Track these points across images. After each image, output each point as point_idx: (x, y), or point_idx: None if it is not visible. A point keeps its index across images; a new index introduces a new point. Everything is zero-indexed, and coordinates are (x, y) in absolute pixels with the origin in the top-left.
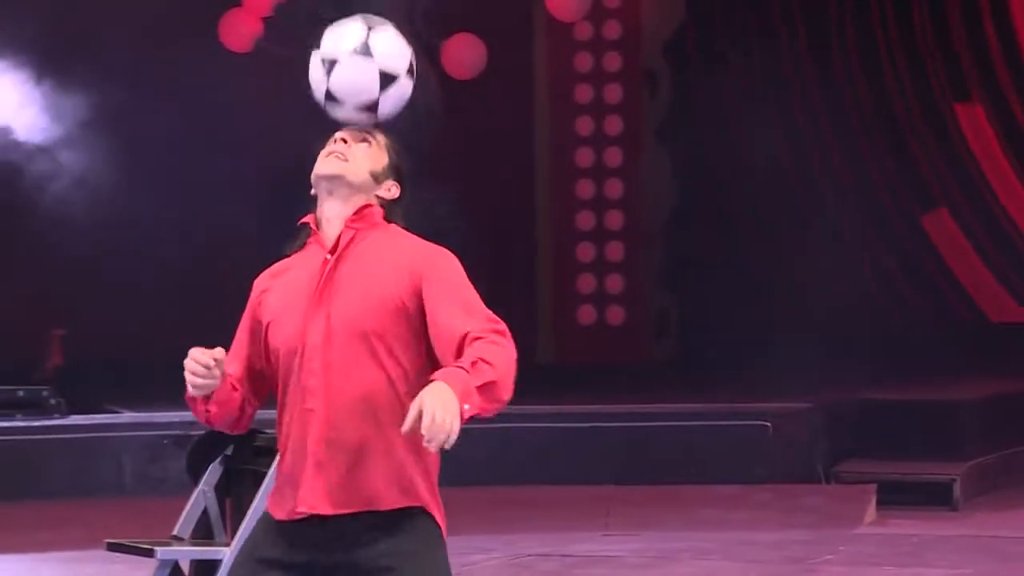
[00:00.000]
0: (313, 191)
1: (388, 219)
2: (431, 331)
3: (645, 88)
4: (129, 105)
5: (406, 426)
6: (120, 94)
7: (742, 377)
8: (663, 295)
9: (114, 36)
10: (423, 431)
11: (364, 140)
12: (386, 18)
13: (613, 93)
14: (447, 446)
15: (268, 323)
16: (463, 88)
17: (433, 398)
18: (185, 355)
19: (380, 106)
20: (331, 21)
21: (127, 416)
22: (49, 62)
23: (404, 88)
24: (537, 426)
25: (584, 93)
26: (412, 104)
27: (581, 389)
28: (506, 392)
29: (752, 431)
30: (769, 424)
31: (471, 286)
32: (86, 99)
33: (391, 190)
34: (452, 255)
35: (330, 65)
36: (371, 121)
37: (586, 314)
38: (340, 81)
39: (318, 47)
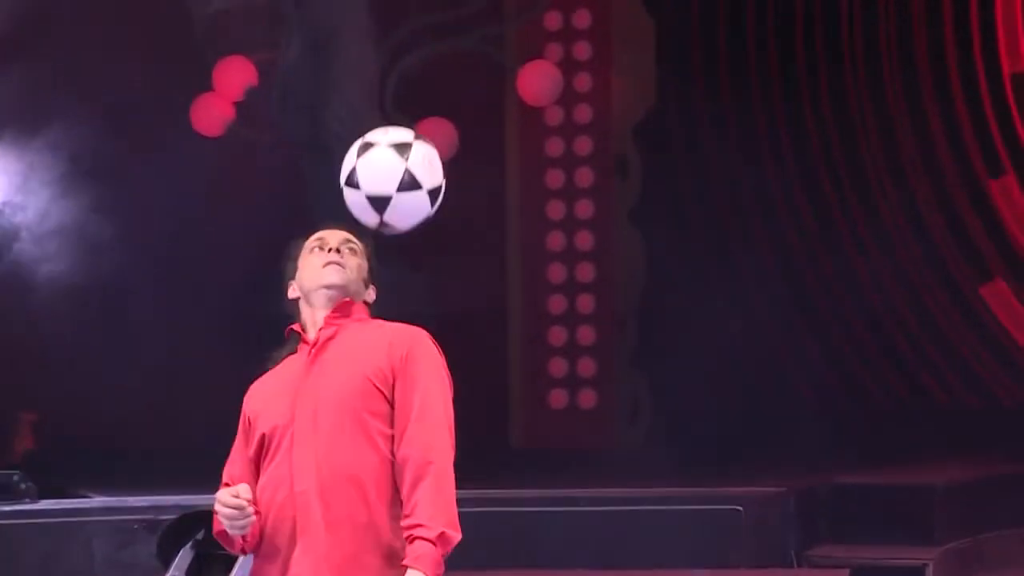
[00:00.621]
0: (293, 294)
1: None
2: (395, 416)
3: (616, 171)
4: (102, 185)
5: None
6: (91, 175)
7: (715, 461)
8: (636, 378)
9: (84, 114)
10: None
11: (350, 248)
12: (358, 101)
13: (584, 177)
14: None
15: (255, 416)
16: None
17: None
18: (156, 440)
19: (390, 208)
20: (303, 107)
21: (98, 501)
22: (13, 139)
23: (406, 203)
24: (508, 511)
25: (555, 177)
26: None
27: (553, 473)
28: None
29: (725, 516)
30: (741, 509)
31: (439, 376)
32: (57, 178)
33: (371, 294)
34: (428, 338)
35: (364, 145)
36: (373, 221)
37: (557, 398)
38: (350, 209)
39: (355, 182)
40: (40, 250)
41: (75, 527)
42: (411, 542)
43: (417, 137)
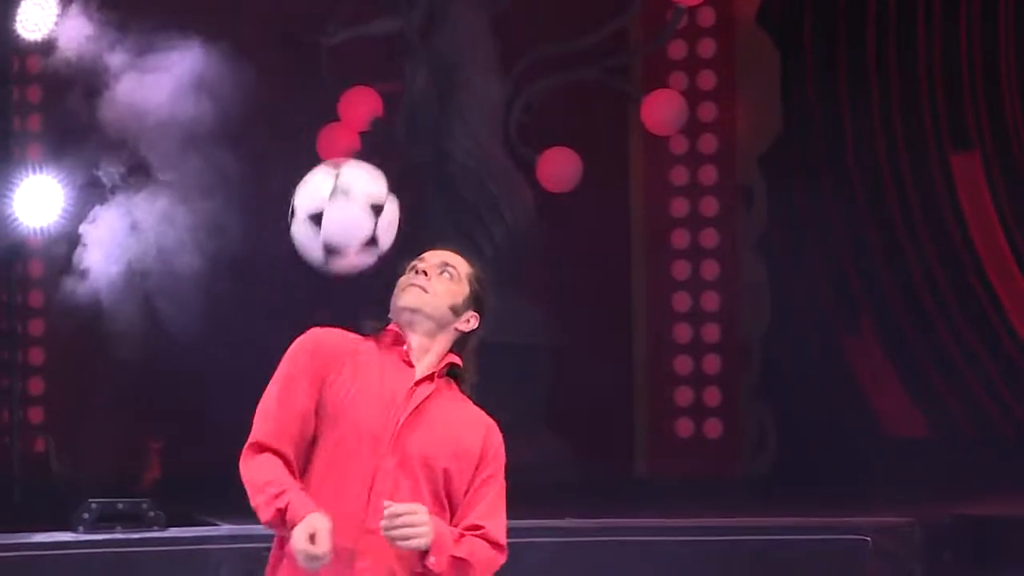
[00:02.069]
0: (390, 316)
1: (460, 347)
2: (461, 505)
3: (741, 201)
4: (228, 215)
5: (393, 509)
6: (218, 205)
7: (842, 491)
8: (761, 408)
9: (209, 148)
10: (396, 523)
11: (445, 271)
12: (482, 131)
13: (709, 206)
14: (392, 543)
15: (339, 401)
16: (558, 201)
17: (430, 525)
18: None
19: (324, 220)
20: (428, 138)
21: (225, 528)
22: (150, 183)
23: (393, 211)
24: (633, 539)
25: (680, 206)
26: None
27: (678, 503)
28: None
29: (852, 546)
30: (869, 539)
31: (504, 493)
32: (181, 208)
33: (470, 322)
34: (503, 448)
35: (315, 219)
36: (372, 260)
37: (683, 427)
38: (333, 229)
39: (293, 213)
40: (166, 280)
41: (203, 554)
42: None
43: (335, 171)
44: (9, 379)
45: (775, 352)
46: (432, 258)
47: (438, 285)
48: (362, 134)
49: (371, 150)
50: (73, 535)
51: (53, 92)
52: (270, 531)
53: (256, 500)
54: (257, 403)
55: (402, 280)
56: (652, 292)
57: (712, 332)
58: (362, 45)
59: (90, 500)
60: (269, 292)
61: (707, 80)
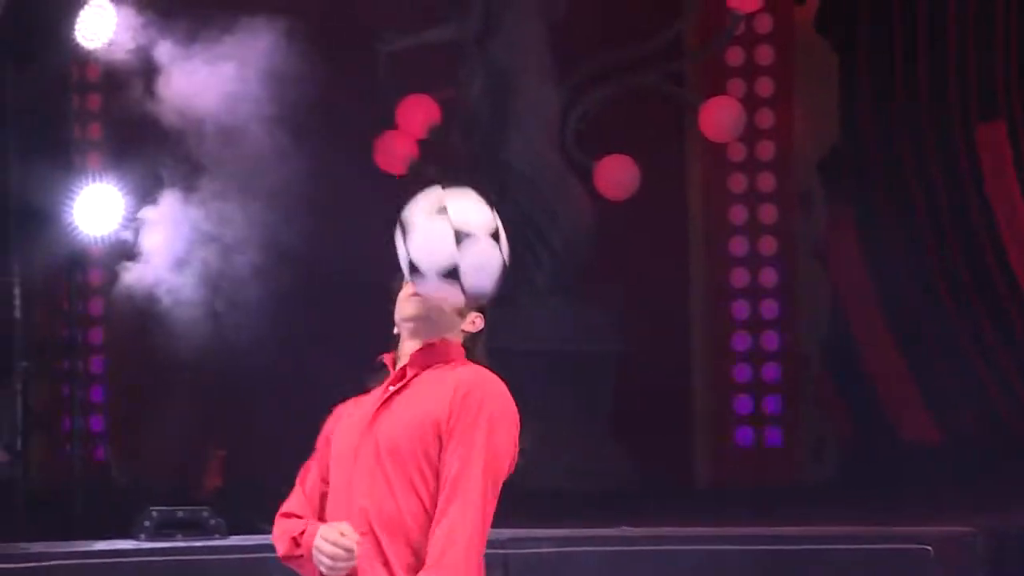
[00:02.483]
0: (396, 330)
1: (469, 348)
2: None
3: (800, 208)
4: (289, 225)
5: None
6: (279, 216)
7: (903, 498)
8: (821, 416)
9: (268, 153)
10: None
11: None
12: (539, 139)
13: (768, 213)
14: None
15: (332, 439)
16: (616, 209)
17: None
18: None
19: (462, 272)
20: (486, 139)
21: None
22: (210, 189)
23: (485, 250)
24: (693, 548)
25: (738, 214)
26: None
27: (738, 512)
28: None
29: (913, 555)
30: (930, 548)
31: (488, 440)
32: (246, 215)
33: (475, 323)
34: (492, 388)
35: (451, 275)
36: (457, 296)
37: (743, 435)
38: (474, 278)
39: (417, 271)
40: (228, 286)
41: (263, 563)
42: None
43: (446, 193)
44: (70, 387)
45: (835, 359)
46: None
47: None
48: (419, 141)
49: (428, 158)
50: (134, 543)
51: (113, 100)
52: None
53: (275, 540)
54: (318, 411)
55: (402, 292)
56: (710, 299)
57: (771, 340)
58: (419, 53)
59: (151, 508)
60: (332, 298)
61: (765, 87)
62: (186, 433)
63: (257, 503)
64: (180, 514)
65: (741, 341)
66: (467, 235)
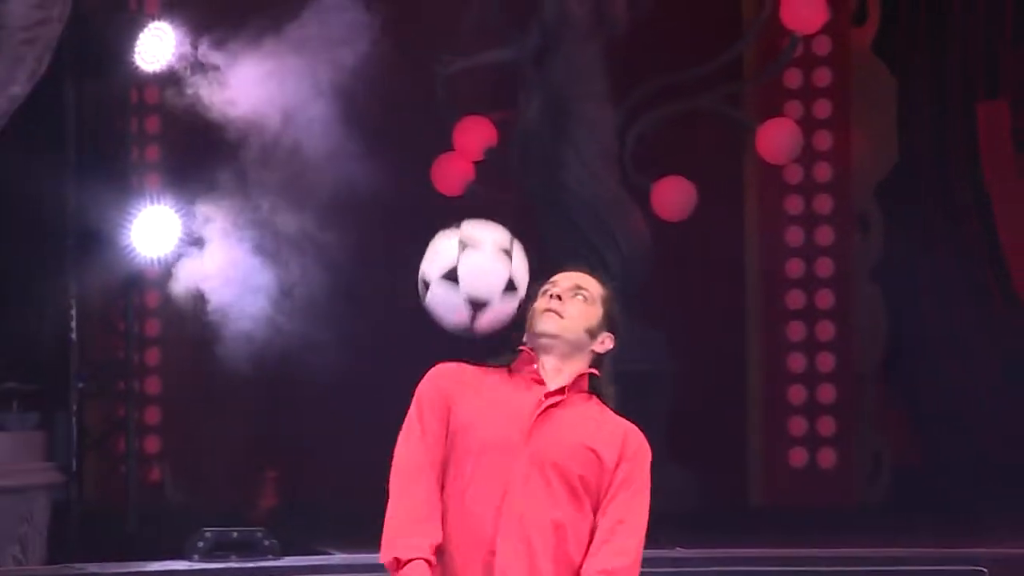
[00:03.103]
0: (525, 341)
1: (596, 367)
2: (600, 510)
3: (857, 229)
4: (346, 248)
5: None
6: (336, 238)
7: (957, 520)
8: (876, 437)
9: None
10: None
11: (578, 295)
12: (596, 160)
13: (825, 235)
14: None
15: (465, 422)
16: (674, 230)
17: None
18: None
19: (517, 283)
20: (543, 161)
21: (339, 557)
22: (267, 209)
23: (522, 253)
24: (749, 570)
25: (795, 235)
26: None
27: (792, 532)
28: None
29: None
30: (985, 570)
31: (647, 492)
32: (302, 234)
33: (605, 343)
34: (649, 450)
35: (451, 276)
36: (514, 308)
37: (797, 456)
38: (471, 281)
39: (426, 283)
40: (286, 309)
41: None
42: None
43: (514, 240)
44: (125, 408)
45: (891, 381)
46: (564, 281)
47: (572, 308)
48: (476, 163)
49: (485, 179)
50: (188, 564)
51: (171, 123)
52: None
53: (389, 535)
54: (372, 432)
55: (536, 305)
56: (766, 321)
57: (827, 361)
58: (477, 74)
59: (205, 529)
60: (388, 320)
61: (823, 109)
62: (240, 454)
63: (311, 524)
64: (234, 535)
65: (796, 362)
66: (471, 245)
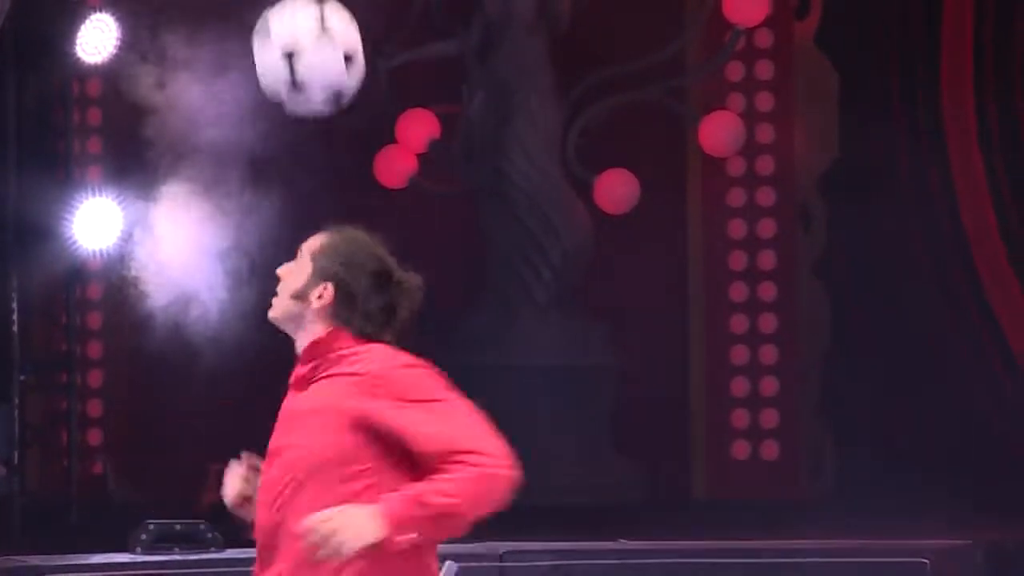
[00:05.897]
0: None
1: (343, 321)
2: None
3: (799, 223)
4: (290, 242)
5: (309, 523)
6: (278, 231)
7: (900, 512)
8: (819, 430)
9: (267, 167)
10: (315, 539)
11: (289, 266)
12: (539, 153)
13: (767, 228)
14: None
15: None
16: (615, 223)
17: (345, 518)
18: None
19: (345, 92)
20: (486, 154)
21: None
22: (208, 203)
23: (361, 64)
24: (691, 562)
25: (737, 228)
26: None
27: (735, 525)
28: (468, 514)
29: (910, 569)
30: (927, 562)
31: (429, 391)
32: (241, 229)
33: (322, 296)
34: (400, 367)
35: (290, 57)
36: (330, 111)
37: (740, 449)
38: (308, 73)
39: (267, 37)
40: (224, 303)
41: None
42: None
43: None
44: (68, 401)
45: (834, 374)
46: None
47: (281, 285)
48: (419, 156)
49: (428, 172)
50: (131, 556)
51: (112, 114)
52: None
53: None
54: None
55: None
56: (709, 313)
57: (769, 354)
58: (420, 67)
59: (148, 521)
60: None
61: (765, 101)
62: (183, 447)
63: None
64: (177, 527)
65: (739, 355)
66: (328, 36)
